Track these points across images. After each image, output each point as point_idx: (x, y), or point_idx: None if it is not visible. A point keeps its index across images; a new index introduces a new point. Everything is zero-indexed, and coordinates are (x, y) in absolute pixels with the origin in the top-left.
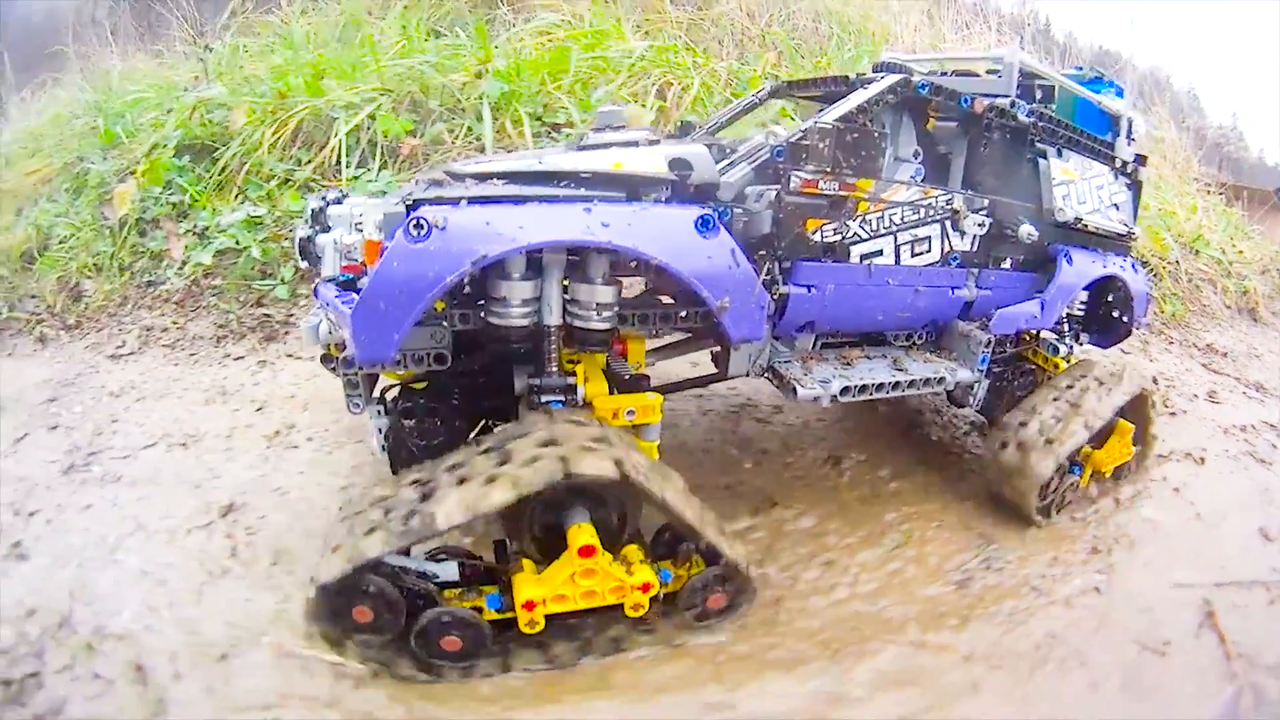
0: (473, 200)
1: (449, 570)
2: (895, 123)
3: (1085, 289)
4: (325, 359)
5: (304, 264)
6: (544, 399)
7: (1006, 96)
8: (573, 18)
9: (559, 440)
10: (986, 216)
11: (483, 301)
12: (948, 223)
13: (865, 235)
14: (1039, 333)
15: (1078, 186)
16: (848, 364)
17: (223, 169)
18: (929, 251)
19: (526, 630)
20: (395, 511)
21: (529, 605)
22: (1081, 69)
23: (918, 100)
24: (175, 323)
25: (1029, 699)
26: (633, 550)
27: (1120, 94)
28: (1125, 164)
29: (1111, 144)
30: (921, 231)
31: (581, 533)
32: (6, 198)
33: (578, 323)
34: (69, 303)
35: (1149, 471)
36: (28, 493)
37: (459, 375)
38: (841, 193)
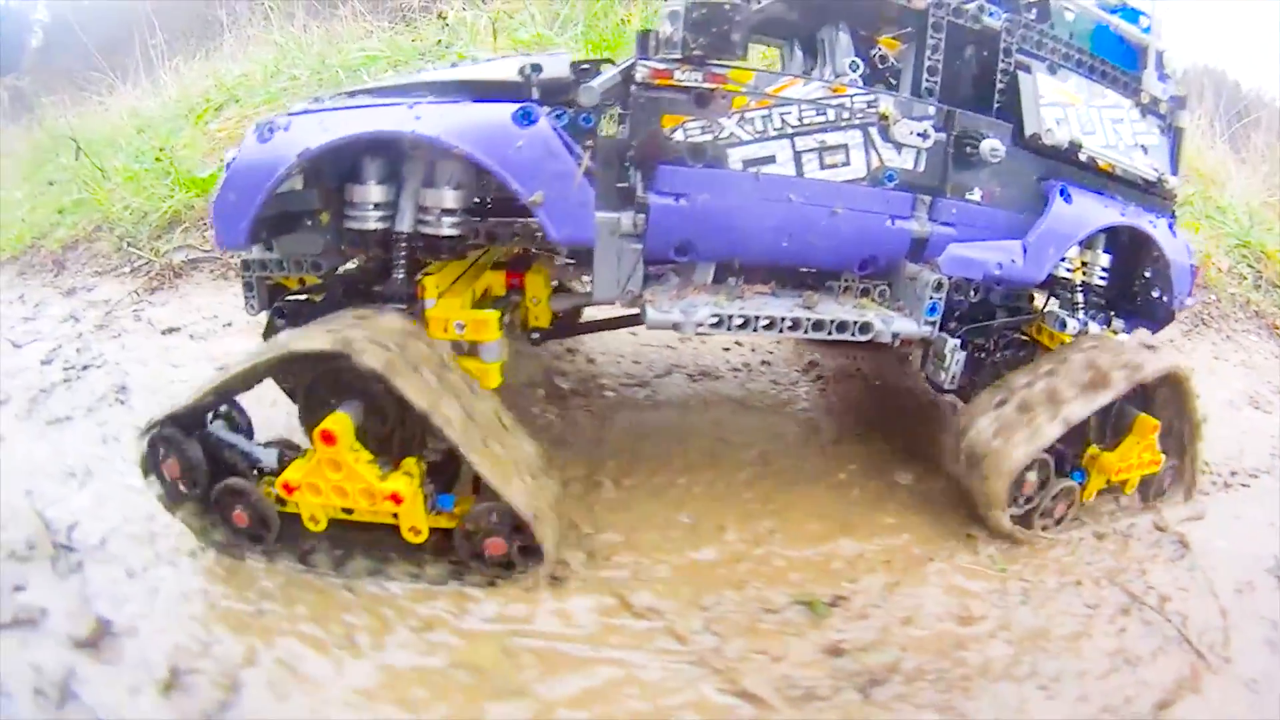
0: (332, 108)
1: (270, 457)
2: (832, 36)
3: (1106, 250)
4: None
5: None
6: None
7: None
8: None
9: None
10: (935, 129)
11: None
12: (873, 130)
13: (747, 137)
14: (1046, 306)
15: (1080, 112)
16: (739, 297)
17: None
18: (846, 164)
19: (310, 526)
20: None
21: (286, 487)
22: None
23: (854, 8)
24: None
25: None
26: (411, 463)
27: (1149, 29)
28: (1156, 101)
29: (1138, 77)
30: (832, 138)
31: (329, 420)
32: (221, 138)
33: (425, 229)
34: None
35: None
36: None
37: (357, 289)
38: (707, 84)
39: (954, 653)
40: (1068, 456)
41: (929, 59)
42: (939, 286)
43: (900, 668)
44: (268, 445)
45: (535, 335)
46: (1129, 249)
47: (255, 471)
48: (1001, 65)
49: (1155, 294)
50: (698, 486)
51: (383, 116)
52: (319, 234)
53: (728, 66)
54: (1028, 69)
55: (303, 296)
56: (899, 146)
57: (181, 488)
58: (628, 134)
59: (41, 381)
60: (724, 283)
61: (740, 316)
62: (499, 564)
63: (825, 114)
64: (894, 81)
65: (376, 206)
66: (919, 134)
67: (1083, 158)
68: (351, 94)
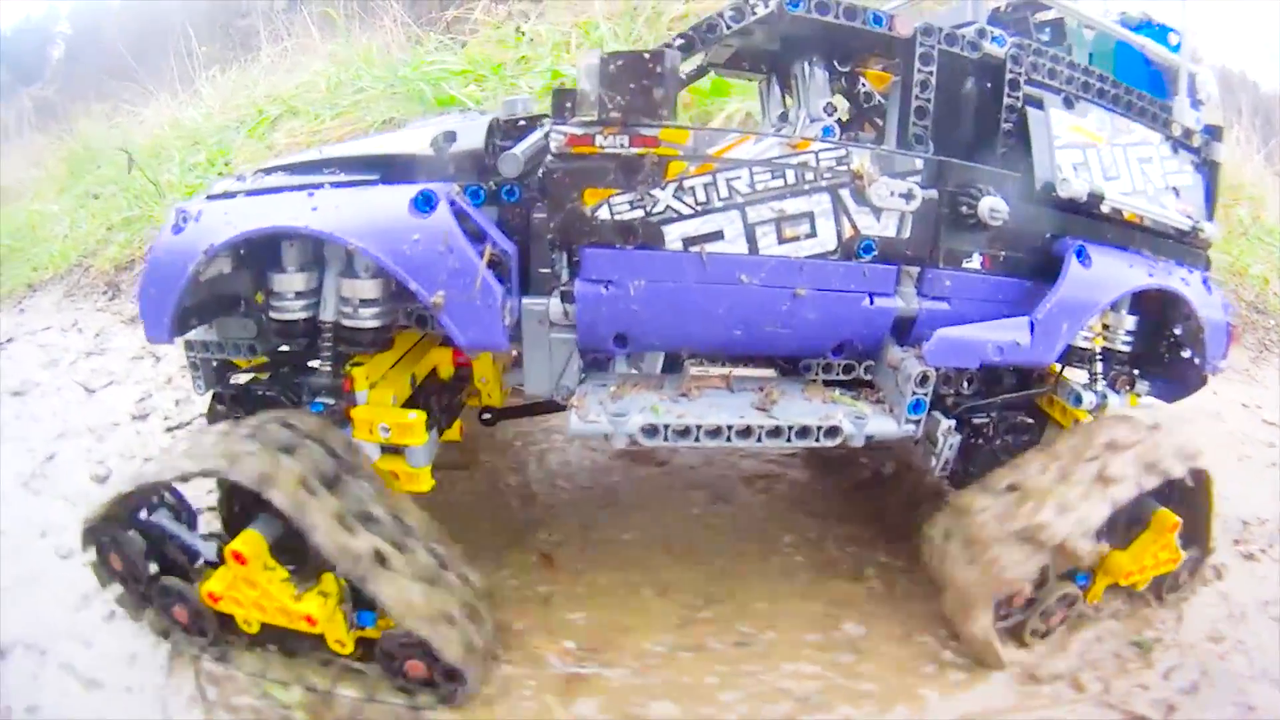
0: (250, 193)
1: (210, 550)
2: (804, 73)
3: (1131, 311)
4: None
5: None
6: (313, 399)
7: (971, 23)
8: None
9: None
10: (923, 185)
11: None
12: (844, 192)
13: (687, 210)
14: (1061, 372)
15: (1103, 153)
16: (685, 395)
17: None
18: (812, 235)
19: (244, 629)
20: None
21: (212, 596)
22: (1126, 13)
23: (831, 40)
24: None
25: None
26: (330, 579)
27: (1178, 48)
28: (1189, 133)
29: (1168, 106)
30: (793, 205)
31: (239, 540)
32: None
33: (346, 321)
34: None
35: None
36: None
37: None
38: (634, 150)
39: (1220, 664)
40: None
41: (918, 98)
42: (924, 380)
43: (1203, 679)
44: (208, 537)
45: (486, 416)
46: (1157, 304)
47: (198, 564)
48: (1008, 101)
49: (1186, 354)
50: None
51: (280, 208)
52: (254, 316)
53: (659, 126)
54: (1039, 104)
55: (248, 377)
56: (877, 211)
57: (122, 579)
58: (545, 212)
59: (144, 448)
60: (677, 371)
61: (680, 425)
62: (418, 683)
63: (783, 177)
64: (881, 122)
65: (299, 295)
66: (901, 194)
67: (1105, 209)
68: (269, 171)
